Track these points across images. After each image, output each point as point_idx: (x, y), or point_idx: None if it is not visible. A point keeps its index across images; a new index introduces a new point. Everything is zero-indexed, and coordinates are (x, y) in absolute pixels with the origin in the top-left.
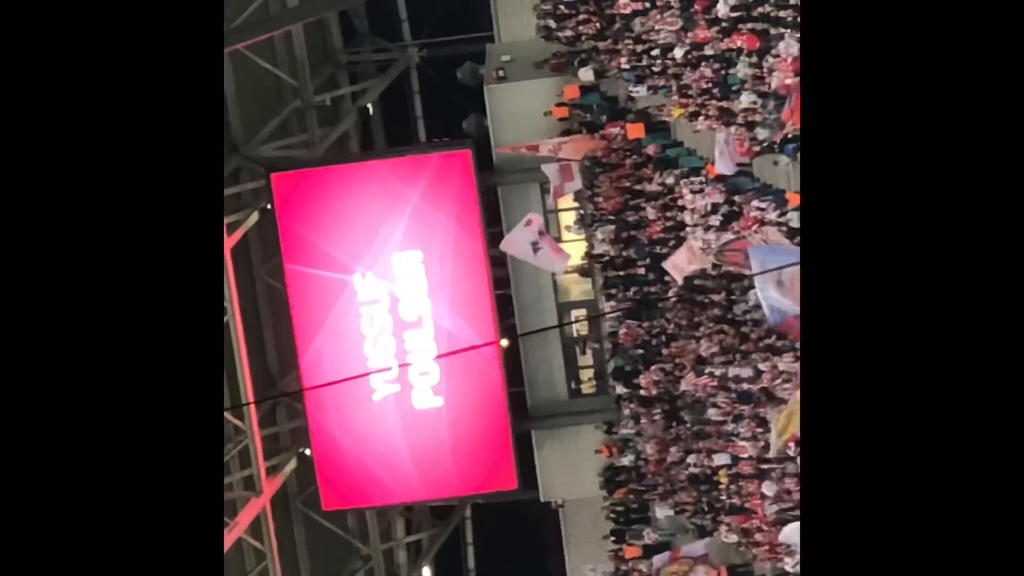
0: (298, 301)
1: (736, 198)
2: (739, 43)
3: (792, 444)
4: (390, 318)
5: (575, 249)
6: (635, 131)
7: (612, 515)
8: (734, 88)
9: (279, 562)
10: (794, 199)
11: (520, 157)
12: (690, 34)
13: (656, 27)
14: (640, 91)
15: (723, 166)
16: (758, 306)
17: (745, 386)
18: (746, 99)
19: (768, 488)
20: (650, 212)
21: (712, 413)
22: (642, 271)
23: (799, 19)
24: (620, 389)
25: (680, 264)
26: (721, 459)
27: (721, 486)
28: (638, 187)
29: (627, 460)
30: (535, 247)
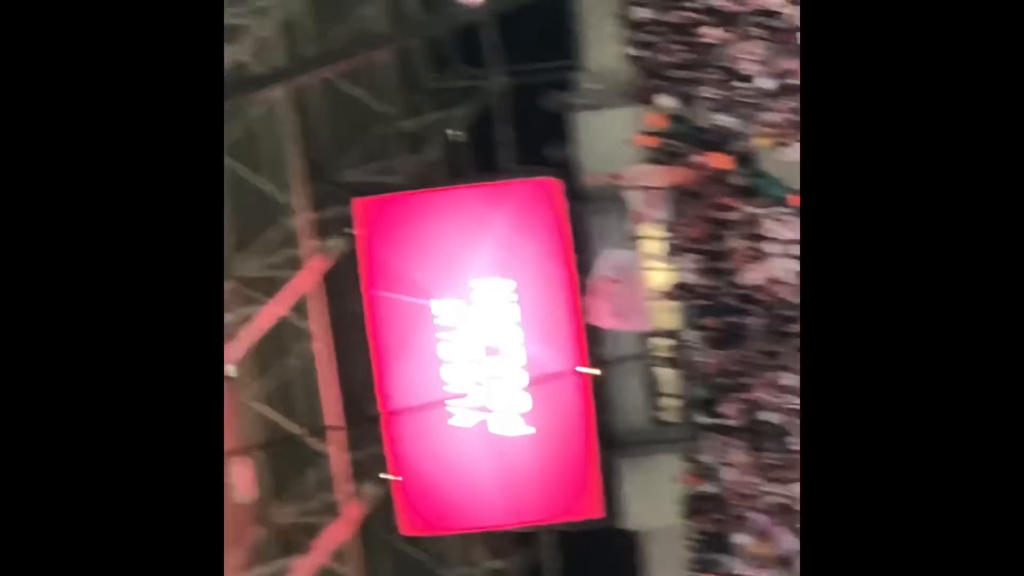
0: (382, 326)
1: None
2: None
3: None
4: (474, 344)
5: (660, 278)
6: (720, 161)
7: (693, 543)
8: None
9: None
10: None
11: (607, 185)
12: (776, 64)
13: (742, 56)
14: (725, 120)
15: None
16: None
17: None
18: None
19: None
20: (735, 242)
21: (793, 443)
22: (726, 300)
23: None
24: (703, 418)
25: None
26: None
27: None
28: (723, 216)
29: (709, 488)
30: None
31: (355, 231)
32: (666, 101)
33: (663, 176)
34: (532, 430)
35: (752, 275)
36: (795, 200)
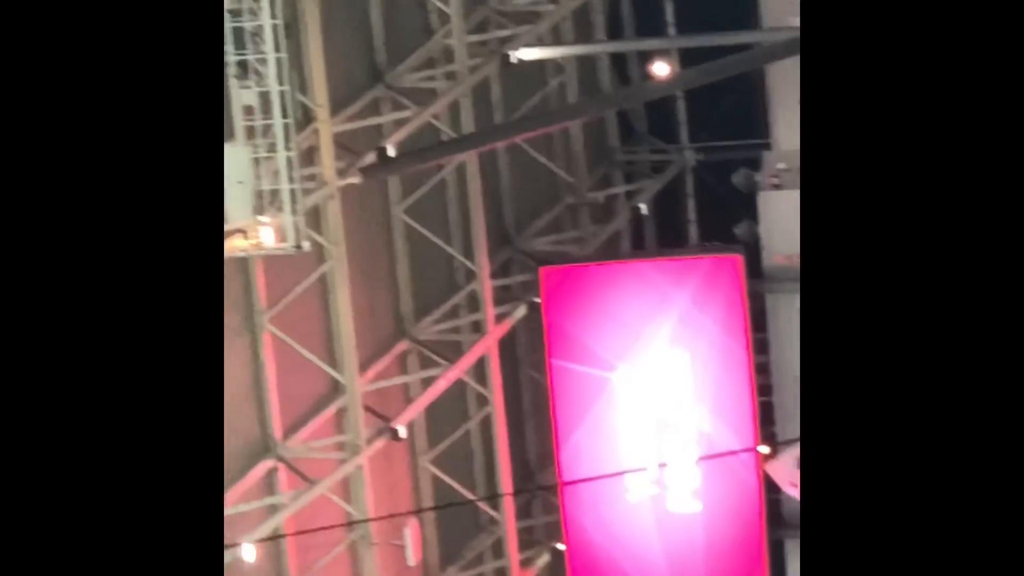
0: (560, 395)
1: None
2: None
3: None
4: (650, 418)
5: None
6: None
7: None
8: None
9: None
10: None
11: (791, 266)
12: None
13: None
14: None
15: None
16: None
17: None
18: None
19: None
20: None
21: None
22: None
23: None
24: None
25: None
26: None
27: None
28: None
29: None
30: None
31: (538, 299)
32: None
33: None
34: (700, 508)
35: None
36: None
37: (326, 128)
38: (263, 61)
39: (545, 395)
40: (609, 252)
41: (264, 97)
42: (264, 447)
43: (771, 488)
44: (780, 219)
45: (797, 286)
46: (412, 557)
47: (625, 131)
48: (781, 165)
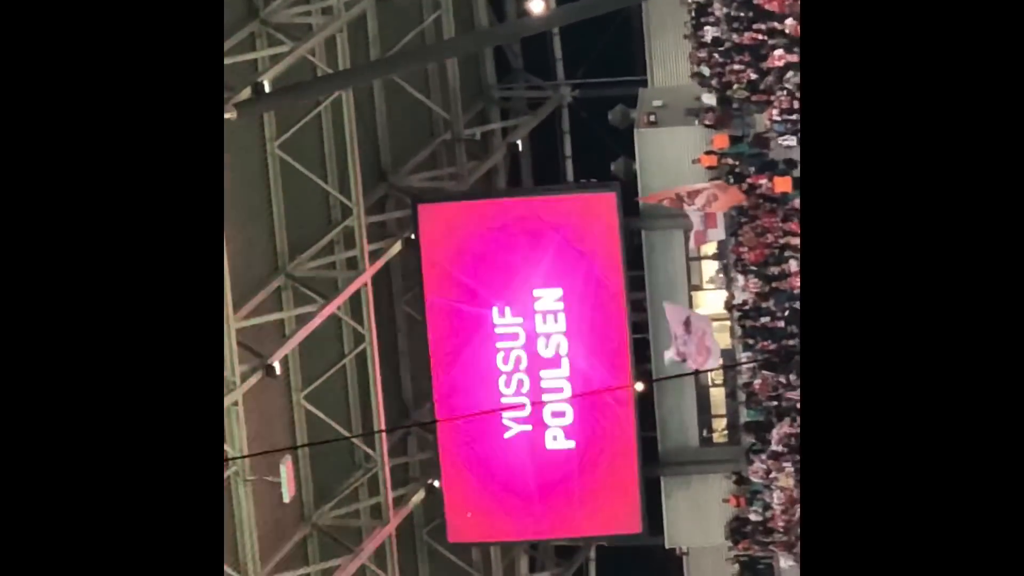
0: (436, 333)
1: None
2: None
3: None
4: (526, 355)
5: (716, 297)
6: (782, 184)
7: (736, 565)
8: None
9: None
10: None
11: (666, 204)
12: None
13: None
14: (790, 143)
15: None
16: None
17: None
18: None
19: None
20: (792, 265)
21: None
22: (781, 323)
23: None
24: (752, 440)
25: None
26: None
27: None
28: (782, 240)
29: (755, 512)
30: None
31: (415, 235)
32: (704, 97)
33: (722, 198)
34: (574, 444)
35: None
36: None
37: None
38: None
39: (421, 332)
40: (485, 189)
41: None
42: None
43: (645, 426)
44: (656, 156)
45: (673, 223)
46: (287, 493)
47: (501, 68)
48: (657, 102)
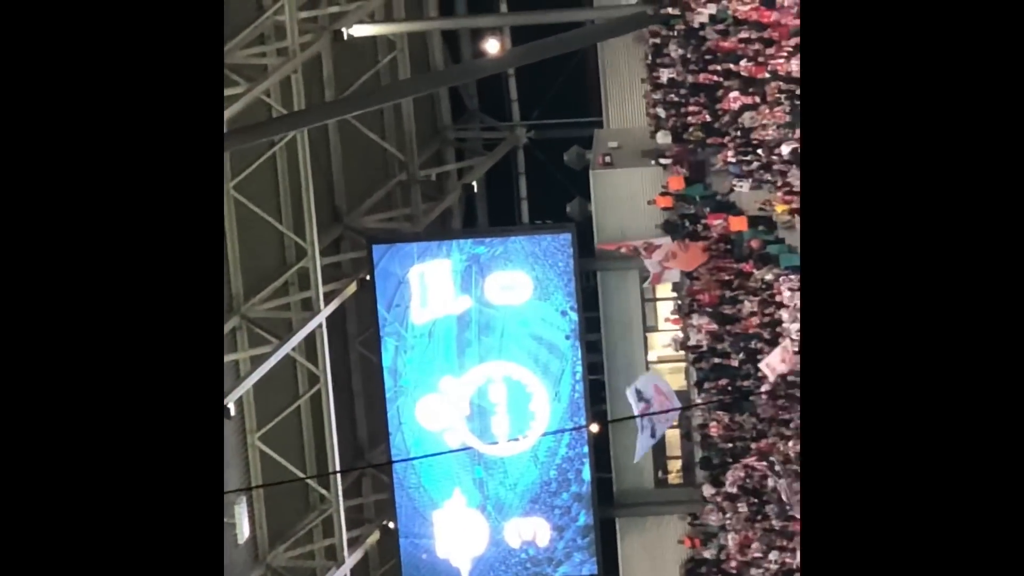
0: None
1: None
2: None
3: None
4: (480, 394)
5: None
6: (737, 224)
7: None
8: None
9: None
10: None
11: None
12: (798, 131)
13: (765, 123)
14: (744, 186)
15: None
16: None
17: None
18: None
19: None
20: (747, 306)
21: (797, 512)
22: (735, 364)
23: None
24: (706, 482)
25: (774, 364)
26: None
27: None
28: (737, 281)
29: (710, 553)
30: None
31: (369, 276)
32: (659, 136)
33: (682, 257)
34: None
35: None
36: None
37: None
38: None
39: (375, 371)
40: (441, 231)
41: None
42: None
43: (602, 467)
44: (611, 197)
45: (627, 264)
46: (242, 534)
47: (457, 109)
48: (612, 143)
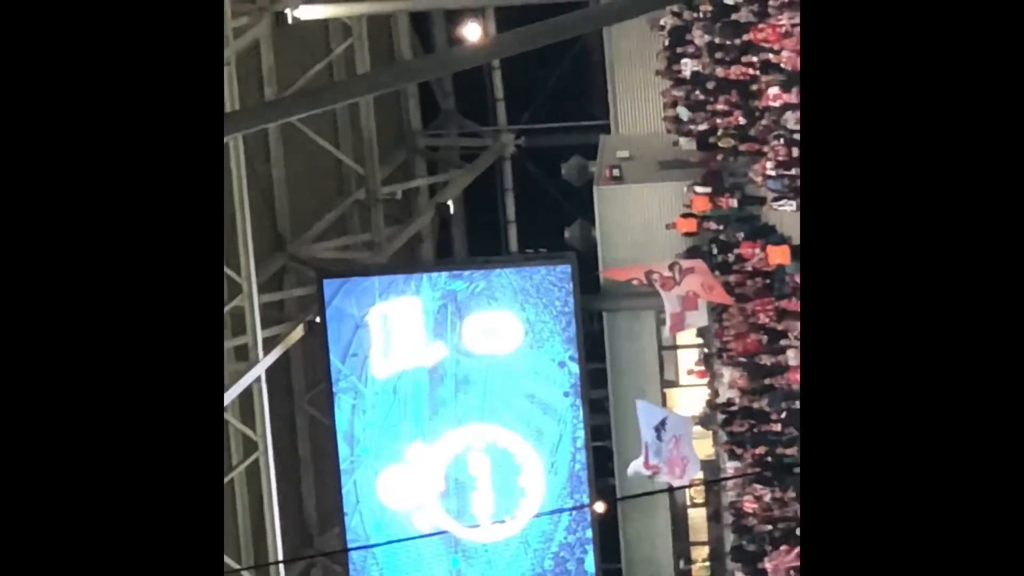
0: None
1: None
2: None
3: None
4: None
5: (697, 395)
6: (778, 255)
7: None
8: None
9: None
10: None
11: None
12: None
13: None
14: (789, 207)
15: None
16: None
17: None
18: None
19: None
20: (791, 356)
21: None
22: (776, 427)
23: None
24: (740, 573)
25: None
26: None
27: None
28: (777, 325)
29: None
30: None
31: (319, 318)
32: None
33: (706, 287)
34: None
35: None
36: None
37: None
38: None
39: (328, 436)
40: (408, 261)
41: None
42: None
43: (609, 557)
44: (620, 220)
45: (642, 303)
46: None
47: (429, 111)
48: (622, 153)
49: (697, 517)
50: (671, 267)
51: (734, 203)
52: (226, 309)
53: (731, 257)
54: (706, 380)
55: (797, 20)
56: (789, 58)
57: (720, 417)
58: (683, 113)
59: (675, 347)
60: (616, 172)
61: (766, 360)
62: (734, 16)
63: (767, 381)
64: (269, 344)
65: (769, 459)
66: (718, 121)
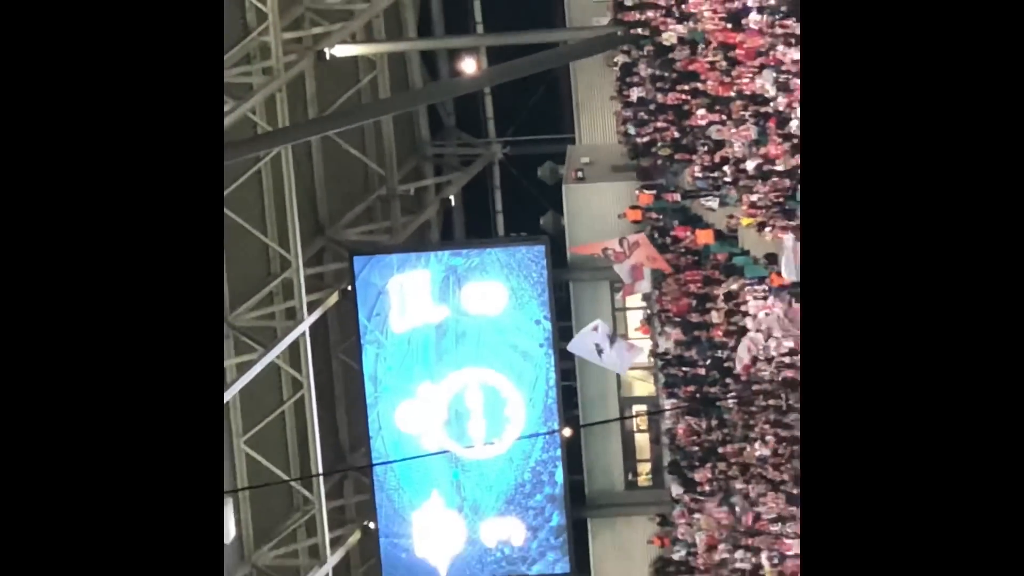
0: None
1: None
2: None
3: None
4: (458, 400)
5: (642, 346)
6: (704, 237)
7: None
8: None
9: None
10: None
11: (594, 256)
12: (763, 148)
13: (731, 140)
14: (713, 202)
15: (788, 272)
16: None
17: (794, 489)
18: None
19: None
20: (715, 316)
21: (762, 511)
22: (703, 371)
23: None
24: (675, 483)
25: (742, 356)
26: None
27: None
28: (704, 291)
29: (678, 553)
30: (599, 350)
31: (351, 287)
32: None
33: (650, 257)
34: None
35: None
36: (776, 280)
37: None
38: None
39: (356, 378)
40: (419, 242)
41: None
42: None
43: (574, 470)
44: (583, 211)
45: (598, 275)
46: (228, 535)
47: (435, 126)
48: (584, 159)
49: (642, 440)
50: (621, 242)
51: (678, 197)
52: (278, 280)
53: (668, 240)
54: (649, 335)
55: (719, 57)
56: (713, 86)
57: (659, 363)
58: (631, 129)
59: (625, 309)
60: (580, 174)
61: (695, 318)
62: (671, 55)
63: (696, 335)
64: (312, 307)
65: (697, 396)
66: (658, 136)
